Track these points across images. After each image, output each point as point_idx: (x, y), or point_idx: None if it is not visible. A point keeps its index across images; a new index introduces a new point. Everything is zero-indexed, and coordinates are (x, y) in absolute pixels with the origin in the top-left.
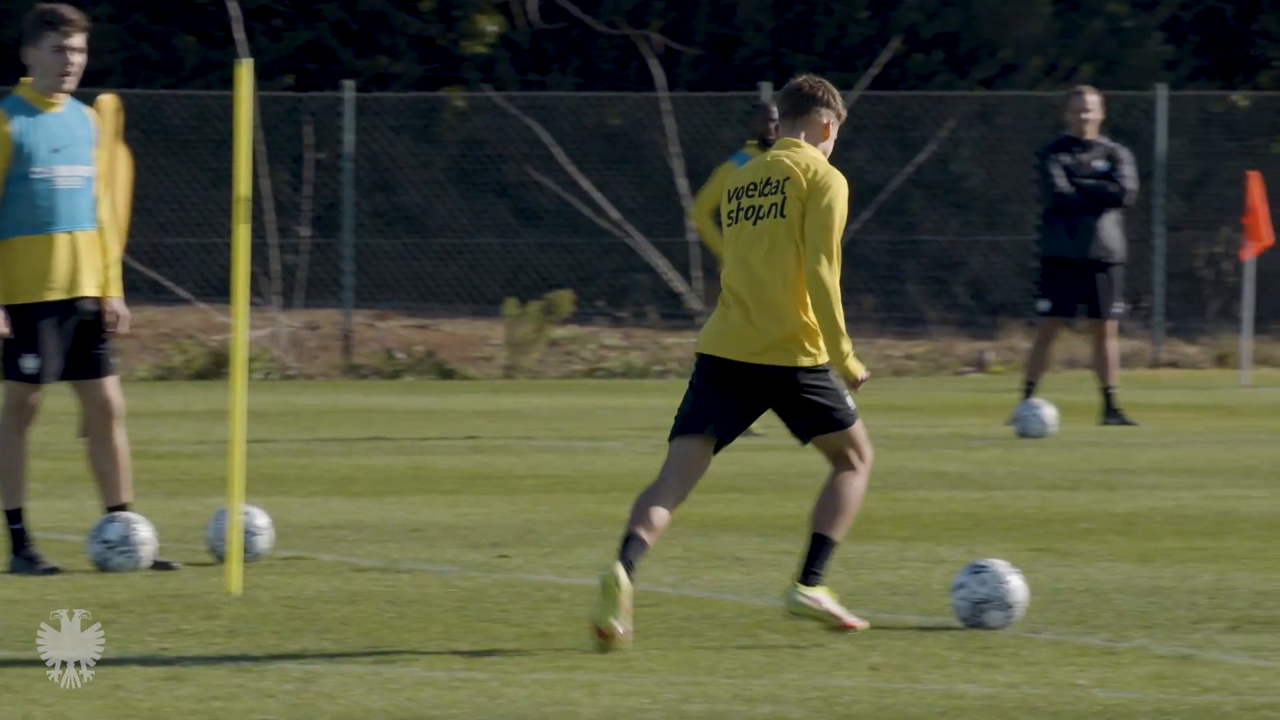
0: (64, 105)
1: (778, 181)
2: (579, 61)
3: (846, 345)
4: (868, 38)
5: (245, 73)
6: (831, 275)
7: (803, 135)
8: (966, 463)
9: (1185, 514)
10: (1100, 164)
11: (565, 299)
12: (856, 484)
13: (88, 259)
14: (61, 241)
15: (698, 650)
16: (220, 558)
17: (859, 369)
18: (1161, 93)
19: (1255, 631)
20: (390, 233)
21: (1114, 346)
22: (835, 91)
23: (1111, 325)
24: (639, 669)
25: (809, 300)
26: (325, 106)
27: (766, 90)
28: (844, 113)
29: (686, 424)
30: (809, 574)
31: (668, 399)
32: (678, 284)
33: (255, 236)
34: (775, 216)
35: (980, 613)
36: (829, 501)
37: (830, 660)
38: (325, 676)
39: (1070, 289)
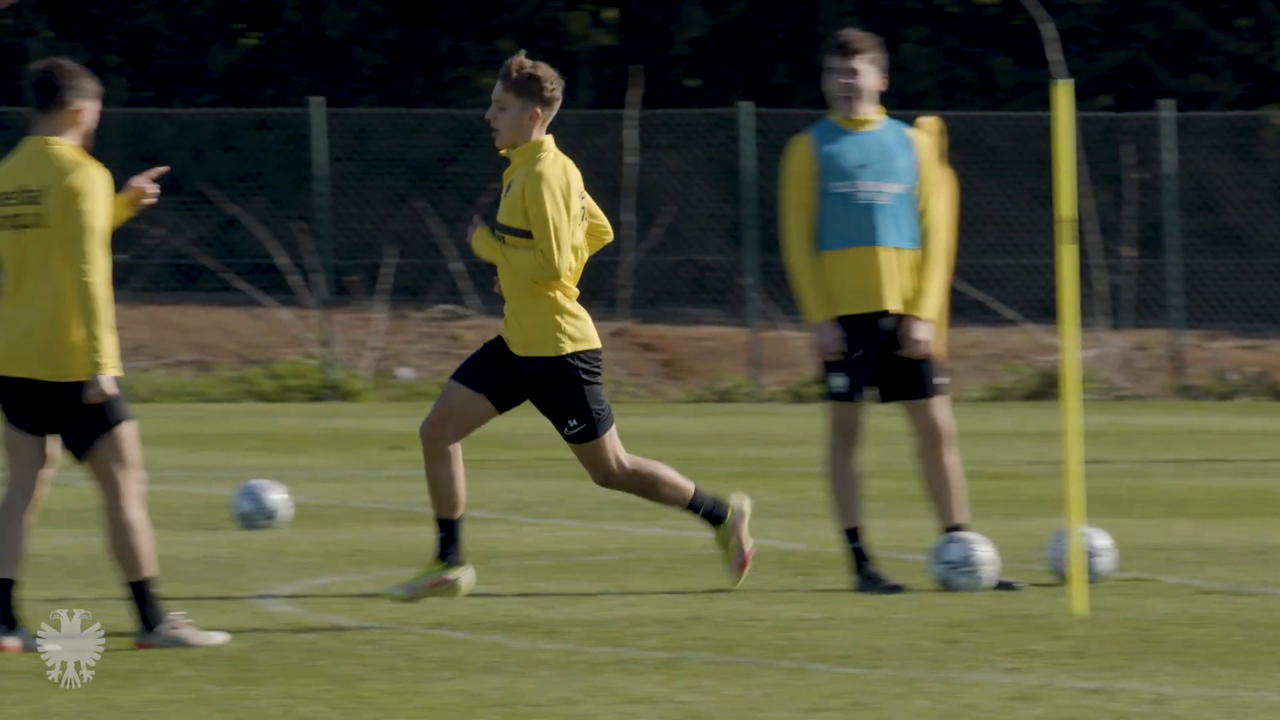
0: (880, 125)
1: None
2: None
3: None
4: None
5: (1065, 94)
6: None
7: None
8: None
9: None
10: None
11: None
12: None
13: (895, 275)
14: (869, 255)
15: None
16: (1062, 578)
17: None
18: None
19: None
20: (1217, 252)
21: None
22: None
23: None
24: None
25: None
26: (1143, 126)
27: None
28: None
29: None
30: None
31: None
32: None
33: (1079, 257)
34: None
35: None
36: None
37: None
38: (1176, 699)
39: None
